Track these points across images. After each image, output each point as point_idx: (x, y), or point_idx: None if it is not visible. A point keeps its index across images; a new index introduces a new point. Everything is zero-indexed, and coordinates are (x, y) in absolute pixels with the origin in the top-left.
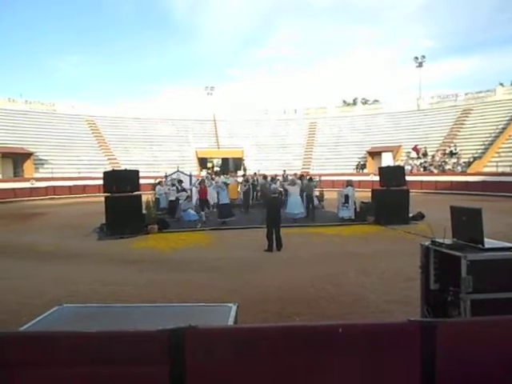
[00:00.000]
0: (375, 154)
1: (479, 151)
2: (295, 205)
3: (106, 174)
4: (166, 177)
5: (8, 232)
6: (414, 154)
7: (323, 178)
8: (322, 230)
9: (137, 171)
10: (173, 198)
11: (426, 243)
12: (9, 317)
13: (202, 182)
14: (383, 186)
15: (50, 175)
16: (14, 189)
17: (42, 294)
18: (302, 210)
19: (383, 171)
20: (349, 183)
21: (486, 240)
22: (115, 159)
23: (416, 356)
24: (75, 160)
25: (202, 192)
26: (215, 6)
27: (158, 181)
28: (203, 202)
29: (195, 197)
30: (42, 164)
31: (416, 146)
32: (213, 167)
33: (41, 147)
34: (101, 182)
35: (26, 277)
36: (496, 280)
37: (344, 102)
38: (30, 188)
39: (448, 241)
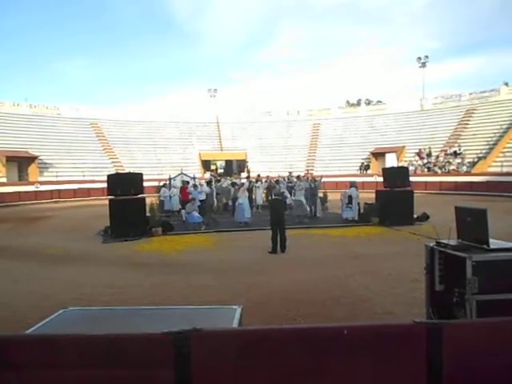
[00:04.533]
0: (379, 154)
1: (483, 151)
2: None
3: (110, 177)
4: (169, 179)
5: (14, 235)
6: (417, 158)
7: (327, 180)
8: (327, 231)
9: (141, 174)
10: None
11: (431, 244)
12: (15, 319)
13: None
14: (387, 187)
15: (54, 178)
16: (19, 192)
17: (48, 297)
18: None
19: (387, 172)
20: (352, 184)
21: (491, 241)
22: (119, 162)
23: (422, 358)
24: (79, 163)
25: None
26: (217, 9)
27: (162, 183)
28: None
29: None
30: (47, 167)
31: (420, 149)
32: (216, 169)
33: (45, 151)
34: (105, 185)
35: (32, 279)
36: (501, 281)
37: (347, 102)
38: (35, 191)
39: (453, 242)
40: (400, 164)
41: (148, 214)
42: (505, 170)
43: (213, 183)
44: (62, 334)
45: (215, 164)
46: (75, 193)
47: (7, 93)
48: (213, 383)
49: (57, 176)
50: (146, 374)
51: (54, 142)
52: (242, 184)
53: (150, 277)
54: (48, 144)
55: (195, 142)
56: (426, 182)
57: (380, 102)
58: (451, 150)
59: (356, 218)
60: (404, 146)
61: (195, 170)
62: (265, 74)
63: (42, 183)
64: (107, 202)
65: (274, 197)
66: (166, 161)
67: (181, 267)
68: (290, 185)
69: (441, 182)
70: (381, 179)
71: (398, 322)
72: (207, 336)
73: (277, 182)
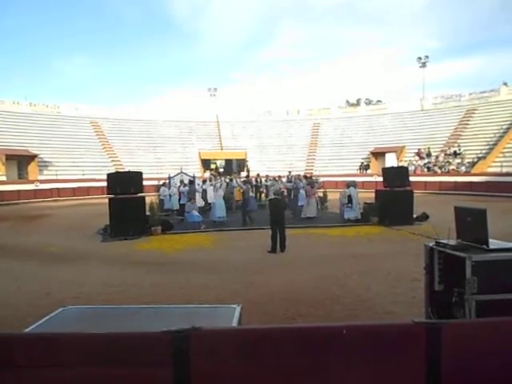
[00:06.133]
0: (379, 154)
1: (483, 151)
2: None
3: (109, 175)
4: (169, 178)
5: (14, 233)
6: (417, 158)
7: (327, 179)
8: (326, 230)
9: (140, 173)
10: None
11: (431, 244)
12: (14, 318)
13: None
14: (387, 187)
15: (54, 177)
16: (18, 191)
17: (48, 296)
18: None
19: (387, 172)
20: (351, 184)
21: (490, 241)
22: (119, 161)
23: (421, 357)
24: (79, 162)
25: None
26: (217, 10)
27: (161, 182)
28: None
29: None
30: (47, 166)
31: (419, 149)
32: (216, 168)
33: (45, 149)
34: (105, 183)
35: (31, 278)
36: (501, 281)
37: (347, 102)
38: (35, 190)
39: (452, 241)
40: (400, 164)
41: (148, 213)
42: (504, 170)
43: (198, 182)
44: (61, 333)
45: (215, 163)
46: (75, 191)
47: (7, 91)
48: (212, 382)
49: (56, 174)
50: (145, 372)
51: (54, 140)
52: (221, 185)
53: (150, 275)
54: (48, 142)
55: (195, 141)
56: (425, 182)
57: (380, 101)
58: (451, 150)
59: (359, 217)
60: (404, 146)
61: (195, 169)
62: (265, 73)
63: (41, 182)
64: (107, 200)
65: (273, 196)
66: (166, 160)
67: (180, 266)
68: (289, 184)
69: (440, 182)
70: (380, 179)
71: (397, 321)
72: (206, 335)
73: (245, 181)
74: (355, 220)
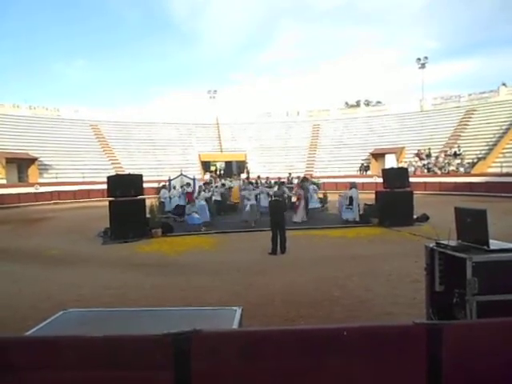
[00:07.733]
0: (378, 155)
1: (483, 152)
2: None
3: (109, 178)
4: (169, 181)
5: (15, 237)
6: (416, 159)
7: (326, 181)
8: (326, 232)
9: (140, 175)
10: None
11: (431, 245)
12: (15, 321)
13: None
14: (387, 188)
15: (54, 180)
16: (18, 194)
17: (49, 299)
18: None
19: (387, 173)
20: (352, 185)
21: (491, 241)
22: (119, 163)
23: (422, 359)
24: (79, 165)
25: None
26: (216, 11)
27: (161, 184)
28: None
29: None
30: (47, 169)
31: (419, 150)
32: (216, 170)
33: (45, 152)
34: (105, 186)
35: (32, 281)
36: (502, 281)
37: (347, 103)
38: (35, 193)
39: (453, 242)
40: (399, 165)
41: (148, 216)
42: (504, 170)
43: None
44: (62, 336)
45: (215, 165)
46: (75, 194)
47: (7, 94)
48: None
49: (56, 177)
50: (147, 375)
51: (54, 143)
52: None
53: (150, 278)
54: (48, 145)
55: (195, 143)
56: (425, 183)
57: (379, 102)
58: (451, 151)
59: (357, 219)
60: (404, 147)
61: (195, 172)
62: (264, 74)
63: (41, 185)
64: (107, 203)
65: (273, 197)
66: (166, 162)
67: (181, 268)
68: (289, 186)
69: (440, 183)
70: (380, 180)
71: (397, 322)
72: (207, 337)
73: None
74: (354, 221)
